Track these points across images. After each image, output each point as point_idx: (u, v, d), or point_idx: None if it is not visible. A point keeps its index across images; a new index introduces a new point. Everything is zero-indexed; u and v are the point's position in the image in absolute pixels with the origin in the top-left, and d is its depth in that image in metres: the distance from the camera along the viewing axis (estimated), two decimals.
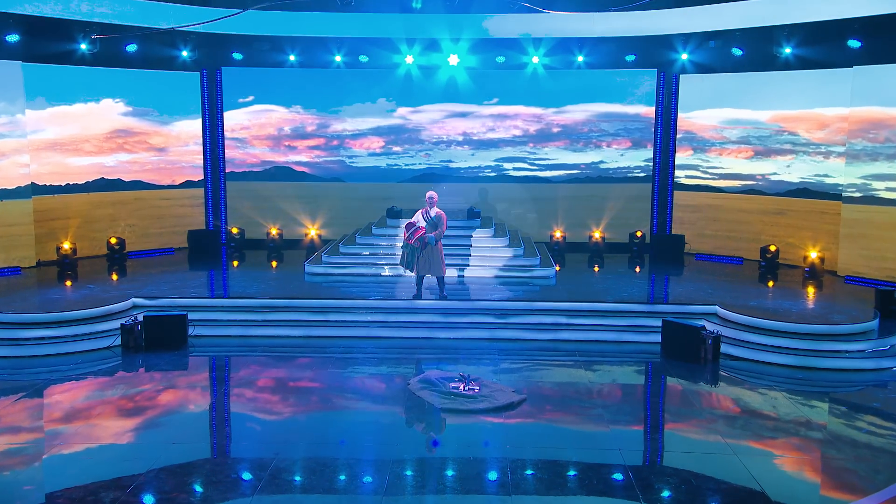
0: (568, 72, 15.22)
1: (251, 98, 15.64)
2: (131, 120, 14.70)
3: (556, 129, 15.58)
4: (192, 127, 15.45)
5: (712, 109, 14.77)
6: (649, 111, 15.36)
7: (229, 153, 15.77)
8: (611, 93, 15.40)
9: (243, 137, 15.75)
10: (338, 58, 15.06)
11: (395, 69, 15.24)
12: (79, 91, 13.94)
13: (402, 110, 15.65)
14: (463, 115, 15.62)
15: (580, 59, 14.94)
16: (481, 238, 13.41)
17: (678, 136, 15.20)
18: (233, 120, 15.66)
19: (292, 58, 15.09)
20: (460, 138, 15.67)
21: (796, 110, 13.73)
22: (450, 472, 6.17)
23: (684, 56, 14.64)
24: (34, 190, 13.38)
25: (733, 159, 14.58)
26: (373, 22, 14.53)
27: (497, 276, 12.47)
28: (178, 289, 11.40)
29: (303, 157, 15.84)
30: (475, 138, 15.68)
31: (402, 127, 15.67)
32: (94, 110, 14.23)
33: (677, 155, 15.26)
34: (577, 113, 15.51)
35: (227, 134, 15.70)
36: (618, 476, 6.15)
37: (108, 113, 14.41)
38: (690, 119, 15.02)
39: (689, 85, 15.02)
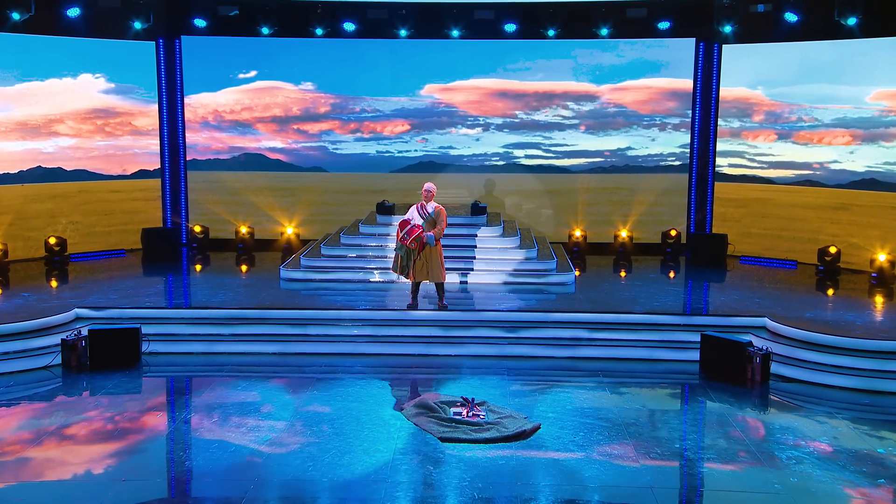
0: (588, 42, 15.23)
1: (254, 73, 15.65)
2: (81, 97, 14.69)
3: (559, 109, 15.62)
4: (152, 107, 15.49)
5: (801, 86, 14.61)
6: (685, 86, 15.35)
7: (208, 138, 15.76)
8: (638, 67, 15.40)
9: (245, 120, 15.78)
10: (316, 28, 15.08)
11: (402, 40, 15.21)
12: (10, 64, 13.92)
13: (429, 87, 15.62)
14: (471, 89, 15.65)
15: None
16: (487, 238, 13.41)
17: (759, 118, 15.07)
18: (231, 98, 15.71)
19: (266, 30, 15.08)
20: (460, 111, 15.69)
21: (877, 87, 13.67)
22: None
23: (727, 24, 14.63)
24: None
25: (819, 146, 14.39)
26: None
27: (506, 283, 12.47)
28: (129, 297, 11.38)
29: (277, 143, 15.83)
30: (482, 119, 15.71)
31: (431, 109, 15.63)
32: (31, 88, 14.21)
33: (755, 140, 15.12)
34: (595, 91, 15.55)
35: (226, 116, 15.72)
36: None
37: (49, 90, 14.40)
38: (774, 97, 14.86)
39: (735, 56, 15.02)
